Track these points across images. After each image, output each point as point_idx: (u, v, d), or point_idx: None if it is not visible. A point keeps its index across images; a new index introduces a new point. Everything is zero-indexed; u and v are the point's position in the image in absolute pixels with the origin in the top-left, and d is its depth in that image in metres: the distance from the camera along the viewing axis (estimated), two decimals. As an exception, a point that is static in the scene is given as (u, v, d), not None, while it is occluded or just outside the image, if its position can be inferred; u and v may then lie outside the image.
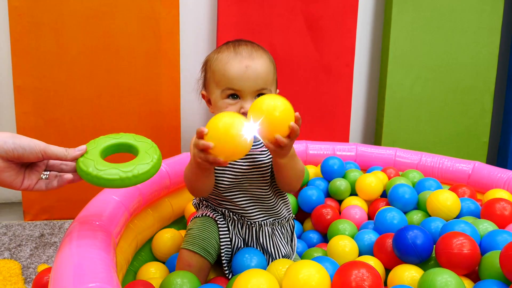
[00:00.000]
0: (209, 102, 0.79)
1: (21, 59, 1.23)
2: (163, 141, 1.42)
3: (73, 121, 1.31)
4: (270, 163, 0.76)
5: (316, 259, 0.74)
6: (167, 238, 0.88)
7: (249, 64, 0.71)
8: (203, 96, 0.80)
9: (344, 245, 0.81)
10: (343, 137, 1.69)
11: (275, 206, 0.79)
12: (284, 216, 0.81)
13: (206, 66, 0.78)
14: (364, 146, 1.33)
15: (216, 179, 0.75)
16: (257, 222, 0.77)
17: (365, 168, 1.28)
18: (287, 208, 0.82)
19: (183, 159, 1.05)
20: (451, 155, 1.39)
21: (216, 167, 0.74)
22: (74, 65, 1.29)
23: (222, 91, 0.73)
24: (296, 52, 1.58)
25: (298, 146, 1.28)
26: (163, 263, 0.85)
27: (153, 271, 0.79)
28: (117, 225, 0.65)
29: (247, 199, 0.77)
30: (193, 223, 0.79)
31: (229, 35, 1.50)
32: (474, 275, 0.70)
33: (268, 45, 1.55)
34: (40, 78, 1.26)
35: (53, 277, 0.46)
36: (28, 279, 0.95)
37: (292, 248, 0.82)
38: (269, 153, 0.76)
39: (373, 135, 1.86)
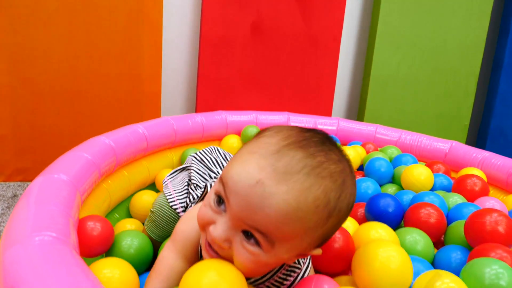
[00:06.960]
0: None
1: (-6, 12, 1.18)
2: (143, 106, 1.39)
3: (49, 81, 1.27)
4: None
5: None
6: (145, 200, 0.88)
7: None
8: None
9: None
10: (326, 111, 1.68)
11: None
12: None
13: None
14: (346, 121, 1.33)
15: None
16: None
17: (346, 143, 1.28)
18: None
19: (162, 123, 1.03)
20: (431, 135, 1.40)
21: None
22: (51, 22, 1.23)
23: None
24: (283, 23, 1.55)
25: (280, 117, 1.27)
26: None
27: (129, 227, 0.79)
28: (85, 182, 0.63)
29: None
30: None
31: (215, 0, 1.45)
32: (440, 245, 0.72)
33: (255, 14, 1.52)
34: (15, 34, 1.20)
35: (7, 225, 0.45)
36: (-3, 237, 0.94)
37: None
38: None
39: (356, 111, 1.87)
